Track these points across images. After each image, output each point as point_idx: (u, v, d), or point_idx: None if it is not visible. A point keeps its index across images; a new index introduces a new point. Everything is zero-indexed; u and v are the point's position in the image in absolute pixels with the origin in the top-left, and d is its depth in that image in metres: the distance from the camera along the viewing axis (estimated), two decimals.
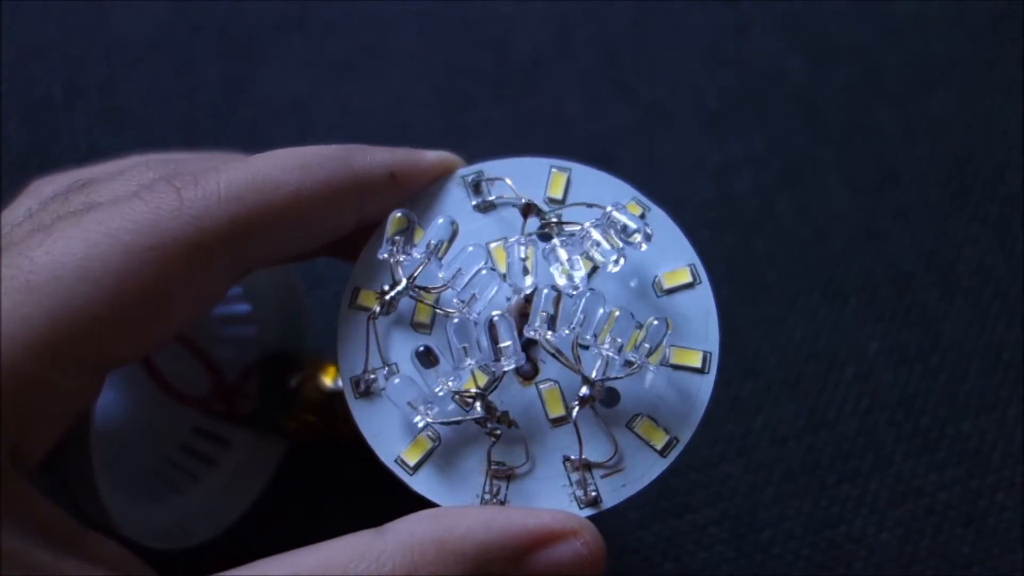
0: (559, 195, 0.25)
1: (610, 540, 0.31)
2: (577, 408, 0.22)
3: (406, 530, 0.20)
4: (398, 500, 0.23)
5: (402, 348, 0.24)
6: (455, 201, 0.25)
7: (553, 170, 0.25)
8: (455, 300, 0.23)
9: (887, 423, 0.34)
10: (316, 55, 0.40)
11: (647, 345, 0.22)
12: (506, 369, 0.22)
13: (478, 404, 0.22)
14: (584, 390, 0.22)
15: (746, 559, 0.32)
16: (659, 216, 0.25)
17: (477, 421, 0.22)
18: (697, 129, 0.39)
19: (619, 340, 0.22)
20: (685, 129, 0.39)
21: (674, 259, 0.24)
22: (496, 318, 0.22)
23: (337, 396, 0.24)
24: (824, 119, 0.39)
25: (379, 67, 0.40)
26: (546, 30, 0.41)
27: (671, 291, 0.24)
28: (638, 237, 0.23)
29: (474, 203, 0.25)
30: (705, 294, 0.24)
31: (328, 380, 0.31)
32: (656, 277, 0.24)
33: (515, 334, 0.22)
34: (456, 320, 0.22)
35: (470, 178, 0.25)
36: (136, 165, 0.23)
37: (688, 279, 0.24)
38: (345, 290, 0.24)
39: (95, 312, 0.20)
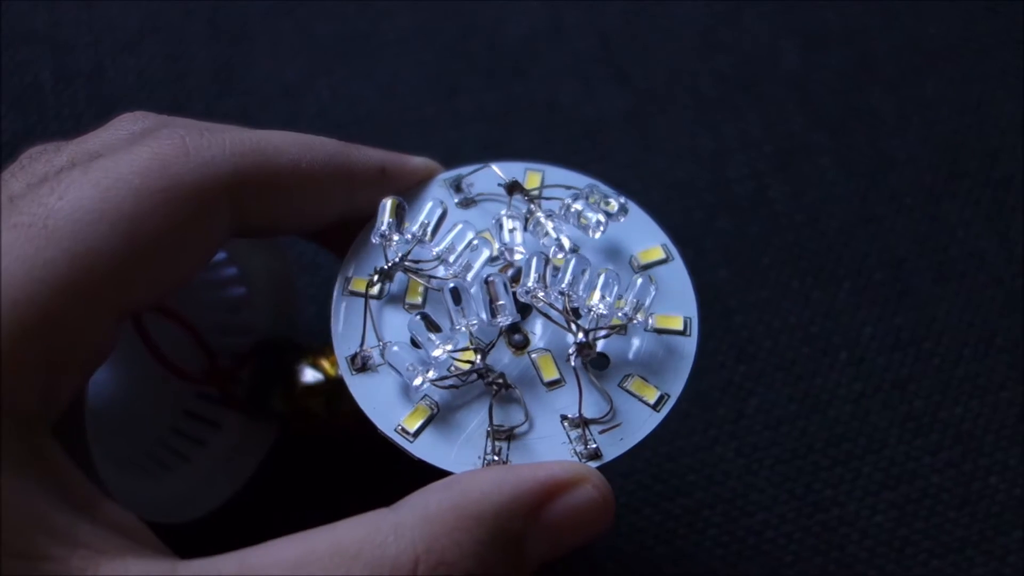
0: (536, 190, 0.26)
1: None
2: (576, 355, 0.23)
3: (420, 502, 0.20)
4: (399, 476, 0.23)
5: (396, 328, 0.24)
6: (439, 197, 0.26)
7: (528, 171, 0.26)
8: (449, 272, 0.24)
9: (881, 407, 0.33)
10: (307, 40, 0.40)
11: (635, 300, 0.23)
12: (502, 325, 0.23)
13: (478, 358, 0.23)
14: (580, 336, 0.23)
15: (739, 542, 0.31)
16: (631, 205, 0.26)
17: (478, 374, 0.23)
18: (691, 114, 0.39)
19: (608, 298, 0.23)
20: (679, 114, 0.39)
21: (647, 240, 0.26)
22: (492, 276, 0.23)
23: (339, 385, 0.25)
24: (818, 104, 0.39)
25: (370, 53, 0.40)
26: (538, 16, 0.41)
27: (647, 267, 0.25)
28: (615, 205, 0.25)
29: (456, 200, 0.26)
30: (679, 268, 0.25)
31: (331, 368, 0.31)
32: (632, 256, 0.25)
33: (510, 293, 0.23)
34: (452, 284, 0.23)
35: (451, 179, 0.27)
36: (122, 117, 0.24)
37: (662, 255, 0.25)
38: (337, 279, 0.25)
39: (114, 253, 0.20)
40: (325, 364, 0.30)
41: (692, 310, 0.25)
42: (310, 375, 0.30)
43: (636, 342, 0.24)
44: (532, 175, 0.26)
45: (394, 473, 0.23)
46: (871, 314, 0.35)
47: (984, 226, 0.37)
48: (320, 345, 0.31)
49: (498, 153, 0.38)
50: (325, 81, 0.39)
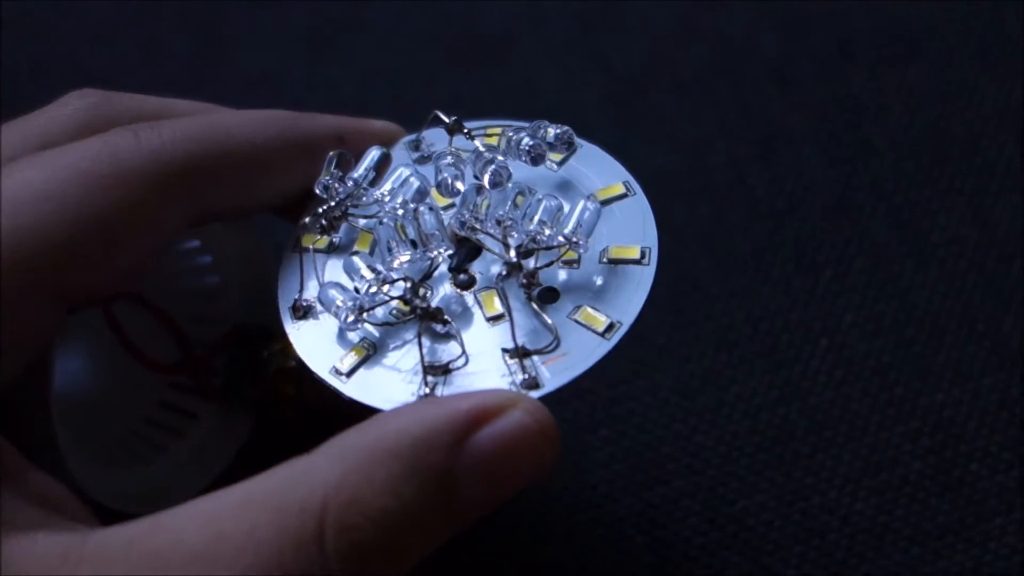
0: (494, 143, 0.26)
1: (580, 513, 0.31)
2: (505, 276, 0.22)
3: (335, 443, 0.19)
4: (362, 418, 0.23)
5: (341, 279, 0.24)
6: (396, 158, 0.26)
7: (488, 127, 0.26)
8: (386, 208, 0.24)
9: (861, 394, 0.33)
10: (283, 28, 0.40)
11: (577, 222, 0.22)
12: (433, 256, 0.23)
13: (406, 283, 0.22)
14: (511, 255, 0.22)
15: (719, 531, 0.31)
16: (592, 148, 0.25)
17: (402, 300, 0.22)
18: (670, 101, 0.39)
19: (548, 222, 0.22)
20: (658, 101, 0.39)
21: (609, 179, 0.25)
22: (421, 207, 0.22)
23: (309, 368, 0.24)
24: (798, 90, 0.39)
25: (347, 40, 0.40)
26: (516, 1, 0.41)
27: (606, 203, 0.24)
28: (551, 133, 0.24)
29: (414, 157, 0.26)
30: (640, 201, 0.24)
31: None
32: (591, 195, 0.24)
33: (442, 225, 0.23)
34: (384, 219, 0.23)
35: (412, 141, 0.26)
36: (69, 95, 0.24)
37: (623, 191, 0.24)
38: (289, 240, 0.25)
39: (56, 234, 0.20)
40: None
41: (652, 241, 0.23)
42: (281, 359, 0.30)
43: (590, 276, 0.23)
44: (493, 131, 0.26)
45: None
46: (852, 301, 0.35)
47: (966, 212, 0.37)
48: None
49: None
50: (301, 70, 0.39)
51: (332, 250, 0.24)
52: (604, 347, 0.22)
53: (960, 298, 0.35)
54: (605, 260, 0.23)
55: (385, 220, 0.23)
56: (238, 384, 0.30)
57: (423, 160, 0.26)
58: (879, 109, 0.39)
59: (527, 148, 0.24)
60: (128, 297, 0.29)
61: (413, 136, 0.26)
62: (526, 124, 0.25)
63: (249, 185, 0.24)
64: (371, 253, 0.24)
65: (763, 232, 0.36)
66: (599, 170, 0.25)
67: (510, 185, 0.23)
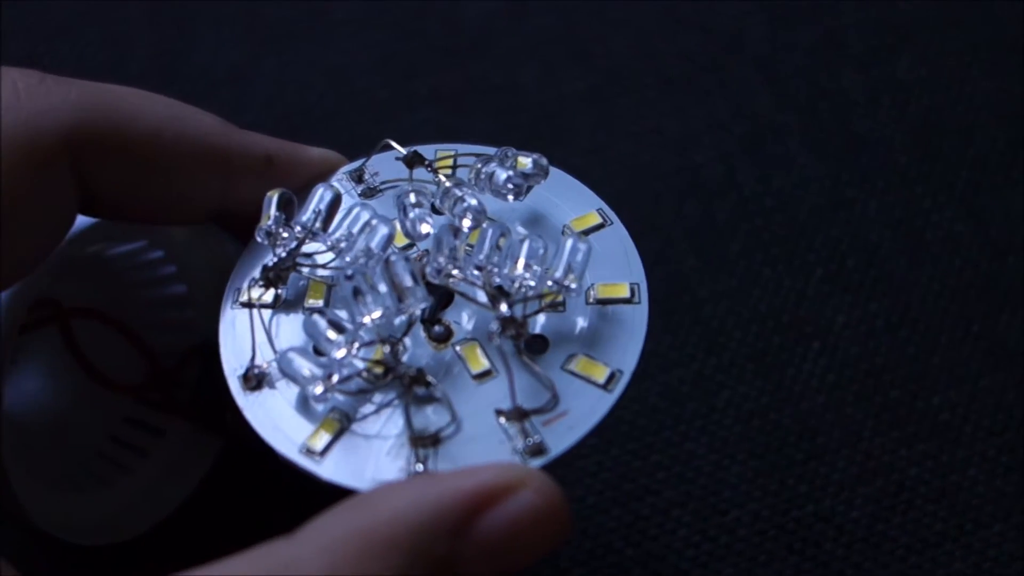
0: (447, 172, 0.23)
1: None
2: (499, 332, 0.20)
3: (321, 528, 0.17)
4: (343, 494, 0.21)
5: (297, 339, 0.21)
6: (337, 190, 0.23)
7: (438, 151, 0.24)
8: (347, 258, 0.21)
9: (855, 398, 0.32)
10: (253, 21, 0.39)
11: (566, 264, 0.21)
12: (412, 311, 0.20)
13: (386, 347, 0.20)
14: (504, 308, 0.20)
15: (711, 542, 0.30)
16: (560, 172, 0.23)
17: (384, 366, 0.20)
18: (656, 96, 0.38)
19: (535, 266, 0.20)
20: (643, 96, 0.38)
21: (580, 208, 0.23)
22: (392, 257, 0.20)
23: None
24: (787, 84, 0.38)
25: (321, 33, 0.39)
26: None
27: (583, 235, 0.22)
28: (526, 163, 0.22)
29: (359, 191, 0.24)
30: (619, 231, 0.22)
31: None
32: (565, 226, 0.23)
33: (417, 275, 0.20)
34: (348, 272, 0.20)
35: (355, 171, 0.24)
36: None
37: (598, 220, 0.23)
38: (226, 292, 0.22)
39: None
40: None
41: (639, 275, 0.22)
42: None
43: (577, 319, 0.21)
44: (443, 154, 0.24)
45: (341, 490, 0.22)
46: (844, 301, 0.34)
47: (959, 209, 0.36)
48: None
49: (455, 138, 0.37)
50: (272, 64, 0.38)
51: (278, 304, 0.22)
52: (607, 401, 0.20)
53: (955, 297, 0.34)
54: (592, 300, 0.21)
55: (350, 272, 0.20)
56: (207, 401, 0.29)
57: (369, 193, 0.23)
58: (869, 103, 0.38)
59: (509, 185, 0.22)
60: (87, 313, 0.27)
61: (355, 165, 0.24)
62: (489, 151, 0.23)
63: (150, 182, 0.21)
64: (327, 304, 0.22)
65: (752, 230, 0.35)
66: (568, 197, 0.23)
67: (485, 224, 0.21)
